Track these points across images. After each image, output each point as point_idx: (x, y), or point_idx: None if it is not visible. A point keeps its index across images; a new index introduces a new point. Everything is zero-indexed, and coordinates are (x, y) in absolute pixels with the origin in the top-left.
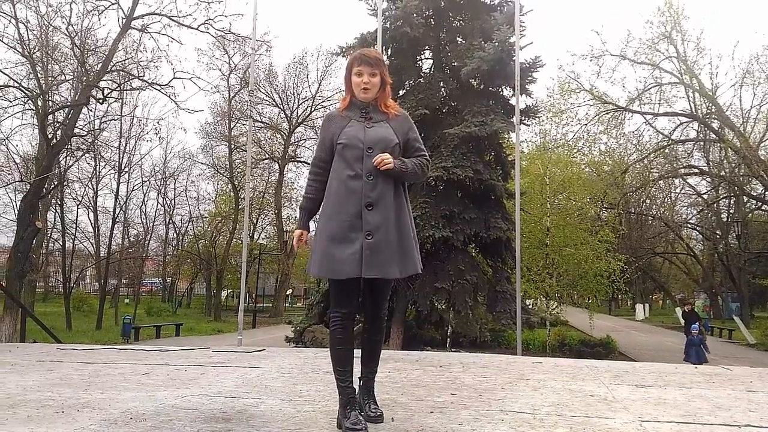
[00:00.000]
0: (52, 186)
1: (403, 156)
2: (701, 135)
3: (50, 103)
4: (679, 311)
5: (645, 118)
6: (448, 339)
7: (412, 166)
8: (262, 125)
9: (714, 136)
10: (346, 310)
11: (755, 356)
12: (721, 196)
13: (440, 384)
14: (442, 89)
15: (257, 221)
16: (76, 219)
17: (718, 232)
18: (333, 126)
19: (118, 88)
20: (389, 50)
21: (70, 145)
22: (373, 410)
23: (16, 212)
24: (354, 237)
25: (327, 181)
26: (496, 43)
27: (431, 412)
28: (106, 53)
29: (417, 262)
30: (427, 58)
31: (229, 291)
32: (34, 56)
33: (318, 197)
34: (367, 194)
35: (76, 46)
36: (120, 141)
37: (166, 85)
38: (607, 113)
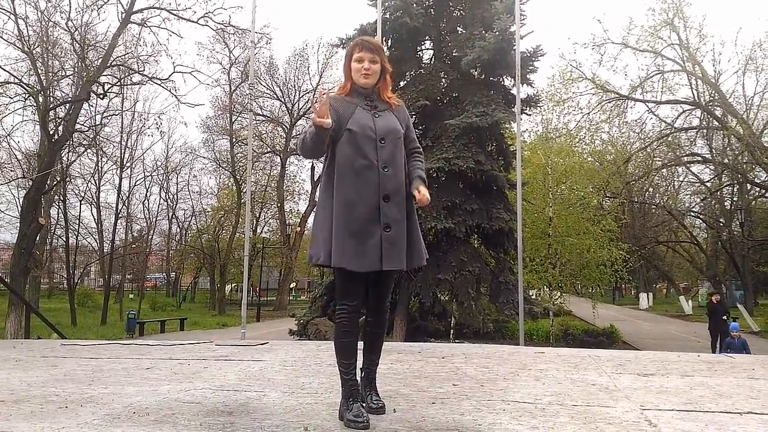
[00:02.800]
0: (55, 182)
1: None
2: (704, 123)
3: (51, 99)
4: (683, 300)
5: (647, 107)
6: (452, 330)
7: (424, 174)
8: (264, 118)
9: (717, 123)
10: (354, 302)
11: (759, 344)
12: (725, 184)
13: (442, 375)
14: (443, 80)
15: (260, 215)
16: (79, 215)
17: (721, 219)
18: (339, 109)
19: (119, 83)
20: (389, 41)
21: (72, 140)
22: (375, 401)
23: (19, 209)
24: (373, 229)
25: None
26: (497, 33)
27: (433, 403)
28: (106, 48)
29: (425, 253)
30: (427, 49)
31: (233, 285)
32: (34, 52)
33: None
34: (384, 186)
35: (76, 41)
36: (121, 136)
37: (167, 79)
38: (609, 102)
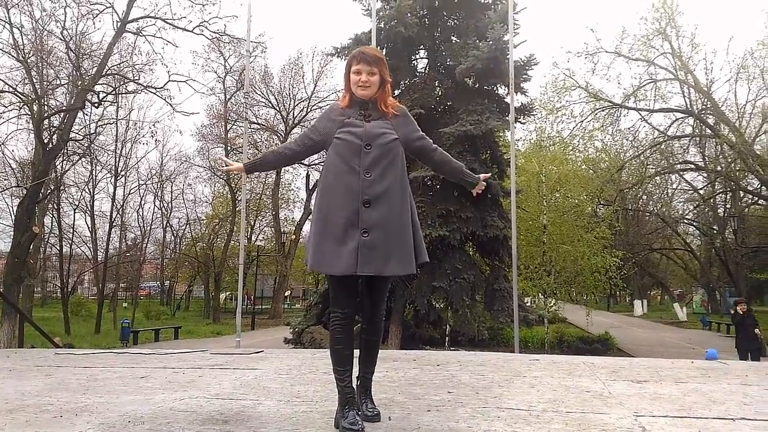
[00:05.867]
0: (49, 191)
1: (408, 149)
2: (697, 131)
3: (46, 107)
4: (677, 307)
5: (640, 115)
6: (447, 338)
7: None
8: (259, 127)
9: (709, 131)
10: (346, 309)
11: None
12: (718, 192)
13: (437, 382)
14: (438, 88)
15: (254, 223)
16: (73, 223)
17: (714, 227)
18: (334, 120)
19: (114, 92)
20: (384, 50)
21: (66, 149)
22: (370, 409)
23: (13, 217)
24: (351, 234)
25: (294, 157)
26: (491, 42)
27: (428, 411)
28: (101, 57)
29: (413, 262)
30: (422, 58)
31: (227, 293)
32: (29, 61)
33: (279, 161)
34: (364, 191)
35: (71, 50)
36: (116, 144)
37: (162, 88)
38: (602, 110)
